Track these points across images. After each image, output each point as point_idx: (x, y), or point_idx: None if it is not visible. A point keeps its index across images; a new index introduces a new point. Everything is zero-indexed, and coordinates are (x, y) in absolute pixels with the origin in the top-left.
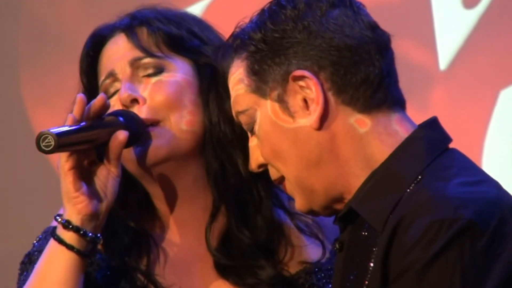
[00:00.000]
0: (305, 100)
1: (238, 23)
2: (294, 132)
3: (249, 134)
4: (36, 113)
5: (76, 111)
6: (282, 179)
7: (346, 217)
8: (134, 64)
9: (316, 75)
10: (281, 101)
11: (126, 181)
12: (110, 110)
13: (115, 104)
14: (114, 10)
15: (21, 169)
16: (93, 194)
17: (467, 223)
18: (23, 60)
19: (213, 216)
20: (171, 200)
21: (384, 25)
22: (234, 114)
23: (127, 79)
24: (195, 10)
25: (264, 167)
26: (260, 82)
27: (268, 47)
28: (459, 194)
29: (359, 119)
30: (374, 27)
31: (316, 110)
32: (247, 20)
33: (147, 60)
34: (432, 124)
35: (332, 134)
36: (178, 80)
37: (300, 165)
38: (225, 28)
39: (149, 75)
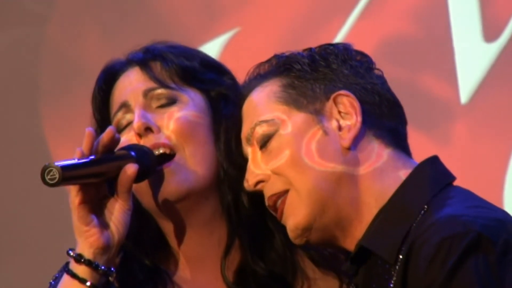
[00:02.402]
0: (339, 124)
1: (275, 54)
2: (324, 145)
3: (252, 149)
4: (57, 146)
5: (85, 145)
6: (282, 194)
7: (358, 257)
8: (148, 94)
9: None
10: (318, 114)
11: (139, 218)
12: (124, 142)
13: (131, 135)
14: (134, 44)
15: (42, 202)
16: (104, 227)
17: (477, 236)
18: (44, 93)
19: (227, 249)
20: (187, 236)
21: (406, 59)
22: (247, 129)
23: (141, 108)
24: (212, 47)
25: (260, 185)
26: (297, 95)
27: (313, 72)
28: (465, 212)
29: (383, 152)
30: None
31: (351, 130)
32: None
33: (160, 91)
34: (433, 161)
35: (357, 159)
36: (191, 111)
37: (321, 176)
38: (242, 66)
39: (162, 106)
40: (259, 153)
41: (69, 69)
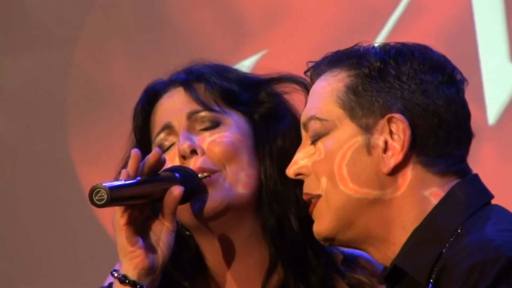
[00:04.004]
0: (386, 144)
1: (357, 43)
2: (364, 165)
3: (305, 136)
4: (85, 171)
5: (131, 166)
6: (315, 196)
7: (392, 276)
8: (192, 117)
9: (411, 129)
10: (367, 131)
11: (178, 239)
12: (167, 163)
13: (173, 157)
14: (161, 69)
15: (70, 227)
16: (149, 248)
17: (509, 261)
18: (72, 118)
19: (269, 273)
20: (225, 255)
21: None
22: (306, 116)
23: (185, 130)
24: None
25: (300, 176)
26: (356, 103)
27: (381, 79)
28: (498, 236)
29: (427, 179)
30: (470, 115)
31: (394, 158)
32: (365, 44)
33: (205, 113)
34: (472, 180)
35: (395, 185)
36: (235, 133)
37: (355, 197)
38: None
39: (206, 129)
40: (310, 145)
41: (97, 93)
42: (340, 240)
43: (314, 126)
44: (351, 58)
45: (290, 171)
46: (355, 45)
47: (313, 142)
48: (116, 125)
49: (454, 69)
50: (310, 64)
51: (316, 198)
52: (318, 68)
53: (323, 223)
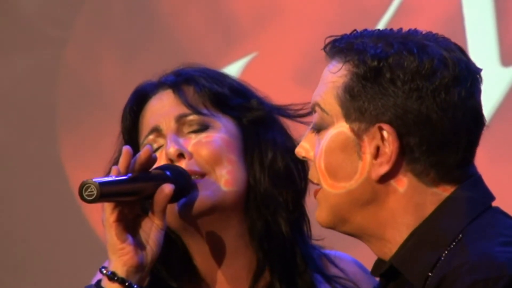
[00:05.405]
0: (377, 149)
1: (354, 30)
2: (354, 169)
3: (311, 127)
4: (74, 171)
5: (121, 163)
6: (317, 184)
7: (388, 273)
8: (180, 120)
9: (400, 137)
10: (358, 136)
11: (166, 240)
12: (154, 166)
13: (160, 159)
14: (151, 69)
15: (59, 227)
16: (138, 245)
17: (511, 280)
18: (61, 118)
19: (257, 276)
20: (213, 256)
21: None
22: (313, 100)
23: (173, 133)
24: (229, 72)
25: (305, 159)
26: (351, 104)
27: (376, 82)
28: (501, 253)
29: (419, 186)
30: (478, 109)
31: (383, 166)
32: (370, 27)
33: (193, 117)
34: (475, 183)
35: (388, 191)
36: (223, 137)
37: (347, 197)
38: (260, 90)
39: (194, 132)
40: (316, 133)
41: (86, 93)
42: (339, 231)
43: (317, 115)
44: (353, 52)
45: (298, 152)
46: (360, 33)
47: (317, 132)
48: (105, 125)
49: (457, 65)
50: (328, 40)
51: (317, 185)
52: (332, 50)
53: (322, 214)
